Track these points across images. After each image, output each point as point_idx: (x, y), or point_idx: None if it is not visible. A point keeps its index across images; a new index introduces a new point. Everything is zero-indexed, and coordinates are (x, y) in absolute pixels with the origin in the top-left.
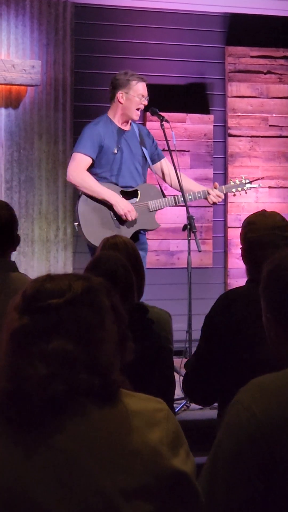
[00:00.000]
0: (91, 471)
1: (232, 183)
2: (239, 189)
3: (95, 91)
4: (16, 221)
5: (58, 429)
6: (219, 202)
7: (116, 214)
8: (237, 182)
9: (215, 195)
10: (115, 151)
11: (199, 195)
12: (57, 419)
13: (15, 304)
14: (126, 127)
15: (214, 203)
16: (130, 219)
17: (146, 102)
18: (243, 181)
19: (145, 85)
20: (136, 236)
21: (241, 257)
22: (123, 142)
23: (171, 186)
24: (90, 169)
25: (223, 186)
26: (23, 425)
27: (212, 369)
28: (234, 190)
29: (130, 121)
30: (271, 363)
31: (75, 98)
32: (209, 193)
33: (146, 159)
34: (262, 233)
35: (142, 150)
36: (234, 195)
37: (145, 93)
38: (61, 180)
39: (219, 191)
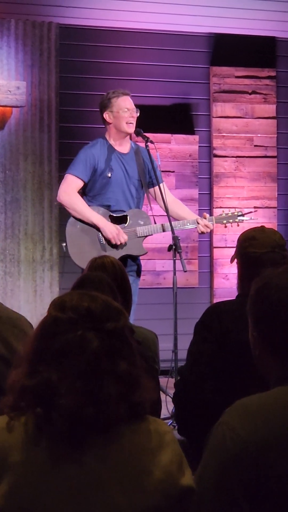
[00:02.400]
0: (110, 489)
1: (223, 214)
2: (231, 220)
3: (80, 112)
4: None
5: (88, 447)
6: (207, 232)
7: (104, 237)
8: (229, 213)
9: (204, 225)
10: (109, 174)
11: (188, 224)
12: (89, 438)
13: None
14: (125, 149)
15: (202, 233)
16: (118, 242)
17: (135, 114)
18: (236, 213)
19: (128, 98)
20: (125, 260)
21: (226, 277)
22: (118, 165)
23: (166, 212)
24: (84, 191)
25: (213, 217)
26: (61, 440)
27: (206, 371)
28: (225, 221)
29: (129, 142)
30: (254, 378)
31: (60, 119)
32: (198, 223)
33: (142, 184)
34: (263, 251)
35: (139, 174)
36: (225, 226)
37: (130, 105)
38: (46, 200)
39: (208, 221)
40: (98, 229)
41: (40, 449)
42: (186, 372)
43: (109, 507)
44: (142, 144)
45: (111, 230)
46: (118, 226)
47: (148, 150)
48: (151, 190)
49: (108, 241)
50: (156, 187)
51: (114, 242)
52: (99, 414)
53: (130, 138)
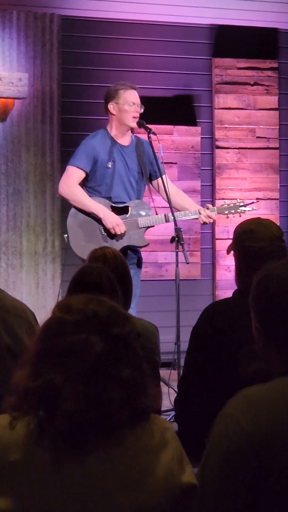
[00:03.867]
0: (112, 490)
1: (225, 205)
2: (233, 211)
3: (82, 103)
4: None
5: (90, 448)
6: (210, 222)
7: (104, 229)
8: (231, 204)
9: (206, 215)
10: (109, 165)
11: (190, 214)
12: (91, 439)
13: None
14: (125, 142)
15: (205, 223)
16: (118, 232)
17: (140, 110)
18: (238, 203)
19: (135, 93)
20: (125, 252)
21: (228, 269)
22: (119, 157)
23: (168, 203)
24: (85, 183)
25: (215, 207)
26: (63, 441)
27: (202, 381)
28: (226, 212)
29: (130, 135)
30: (253, 376)
31: (62, 110)
32: (200, 213)
33: (143, 175)
34: (262, 244)
35: (140, 166)
36: (227, 217)
37: (136, 100)
38: (48, 192)
39: (210, 211)
40: (99, 219)
41: (41, 450)
42: (182, 388)
43: (111, 508)
44: (144, 136)
45: (111, 220)
46: (118, 217)
47: (150, 142)
48: (154, 182)
49: (108, 232)
50: (159, 179)
51: (113, 232)
52: (101, 418)
53: (132, 132)
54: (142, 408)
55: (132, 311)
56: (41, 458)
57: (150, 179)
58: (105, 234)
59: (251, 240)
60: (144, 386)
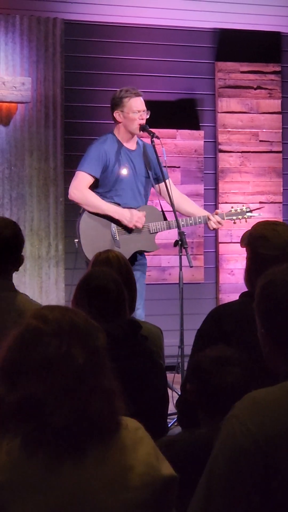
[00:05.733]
0: (101, 494)
1: (233, 210)
2: (240, 217)
3: (85, 107)
4: (22, 240)
5: (85, 457)
6: (218, 228)
7: (116, 232)
8: (238, 210)
9: (216, 221)
10: (121, 171)
11: (199, 220)
12: (86, 449)
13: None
14: (132, 146)
15: (214, 229)
16: (140, 226)
17: (145, 116)
18: (244, 209)
19: (139, 100)
20: (135, 256)
21: (232, 272)
22: (127, 162)
23: (176, 208)
24: (93, 188)
25: (224, 213)
26: (59, 455)
27: None
28: (234, 217)
29: (136, 139)
30: (260, 377)
31: (65, 115)
32: (209, 219)
33: (149, 179)
34: (276, 253)
35: (146, 171)
36: (235, 222)
37: (141, 107)
38: (52, 197)
39: (219, 217)
40: (113, 220)
41: (32, 465)
42: (184, 390)
43: (98, 509)
44: (148, 140)
45: (128, 218)
46: (133, 210)
47: (153, 146)
48: (157, 186)
49: (121, 236)
50: (162, 183)
51: (132, 227)
52: (93, 429)
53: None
54: (121, 414)
55: (141, 313)
56: (26, 477)
57: (154, 182)
58: (118, 239)
59: (265, 248)
60: (119, 395)
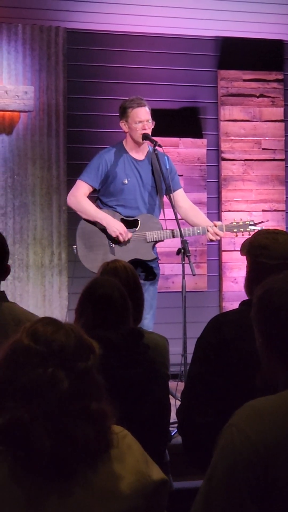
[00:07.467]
0: (93, 508)
1: (234, 223)
2: (242, 229)
3: (88, 116)
4: (6, 251)
5: (73, 478)
6: (217, 239)
7: (113, 240)
8: (240, 222)
9: (213, 233)
10: (125, 181)
11: (198, 231)
12: (67, 474)
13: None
14: (140, 156)
15: (212, 240)
16: (122, 240)
17: (148, 126)
18: (247, 222)
19: (142, 110)
20: (146, 265)
21: (235, 280)
22: (133, 172)
23: (184, 219)
24: (98, 197)
25: (223, 225)
26: (48, 478)
27: (206, 392)
28: (235, 230)
29: (147, 148)
30: (259, 386)
31: (68, 123)
32: (208, 230)
33: (157, 189)
34: (276, 262)
35: (154, 181)
36: (236, 235)
37: (144, 117)
38: (55, 205)
39: (218, 229)
40: (104, 228)
41: (19, 488)
42: (185, 399)
43: None
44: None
45: (113, 228)
46: (122, 225)
47: (156, 154)
48: (169, 198)
49: (116, 244)
50: (171, 195)
51: (117, 239)
52: (81, 453)
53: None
54: (111, 433)
55: (149, 322)
56: (15, 498)
57: (166, 192)
58: (114, 246)
59: (265, 257)
60: (109, 416)
